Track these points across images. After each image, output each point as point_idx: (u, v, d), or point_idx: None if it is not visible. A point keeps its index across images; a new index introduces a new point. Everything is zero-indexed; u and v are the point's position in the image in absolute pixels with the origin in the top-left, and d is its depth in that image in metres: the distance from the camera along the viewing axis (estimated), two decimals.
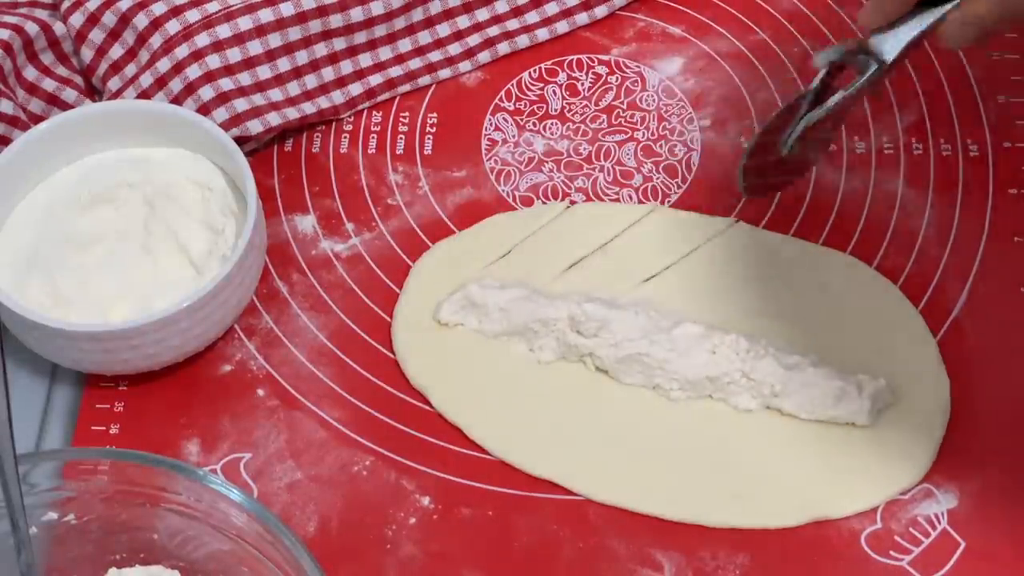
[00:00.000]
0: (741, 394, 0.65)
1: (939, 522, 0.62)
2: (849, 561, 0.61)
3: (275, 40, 0.75)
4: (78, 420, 0.67)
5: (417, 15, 0.78)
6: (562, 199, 0.74)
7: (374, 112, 0.78)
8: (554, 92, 0.78)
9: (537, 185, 0.74)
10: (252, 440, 0.66)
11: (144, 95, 0.73)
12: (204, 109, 0.72)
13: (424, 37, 0.79)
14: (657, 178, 0.74)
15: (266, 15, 0.74)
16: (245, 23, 0.74)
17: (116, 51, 0.74)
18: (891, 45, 0.63)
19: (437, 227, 0.73)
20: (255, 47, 0.74)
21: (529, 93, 0.78)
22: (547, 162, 0.75)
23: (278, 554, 0.55)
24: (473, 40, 0.80)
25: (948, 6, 0.62)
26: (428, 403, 0.67)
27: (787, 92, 0.77)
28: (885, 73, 0.64)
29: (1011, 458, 0.64)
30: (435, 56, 0.79)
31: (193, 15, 0.74)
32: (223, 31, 0.73)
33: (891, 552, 0.62)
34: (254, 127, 0.73)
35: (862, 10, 0.64)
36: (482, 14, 0.80)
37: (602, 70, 0.79)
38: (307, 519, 0.63)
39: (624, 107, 0.77)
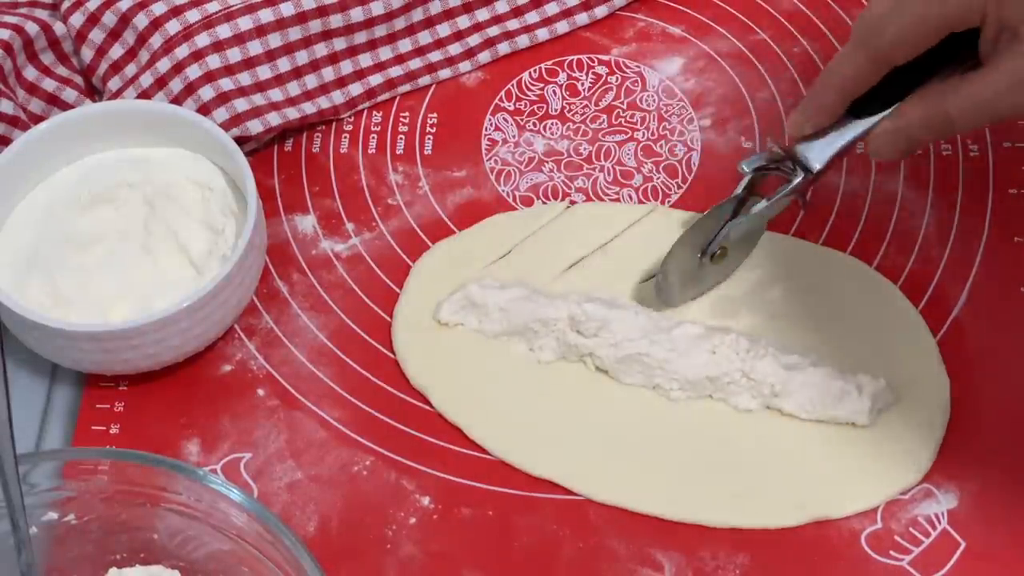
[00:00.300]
0: (741, 394, 0.65)
1: (939, 522, 0.62)
2: (849, 561, 0.61)
3: (275, 40, 0.75)
4: (78, 420, 0.67)
5: (417, 15, 0.78)
6: (562, 199, 0.74)
7: (374, 112, 0.78)
8: (554, 92, 0.78)
9: (537, 185, 0.74)
10: (252, 440, 0.66)
11: (144, 95, 0.73)
12: (204, 109, 0.72)
13: (424, 37, 0.79)
14: (657, 178, 0.74)
15: (266, 15, 0.74)
16: (245, 23, 0.74)
17: (116, 51, 0.74)
18: (818, 154, 0.64)
19: (437, 227, 0.73)
20: (255, 47, 0.74)
21: (529, 93, 0.78)
22: (547, 162, 0.75)
23: (278, 554, 0.55)
24: (473, 40, 0.80)
25: (876, 117, 0.62)
26: (428, 403, 0.67)
27: (787, 92, 0.77)
28: (811, 182, 0.64)
29: (1011, 458, 0.64)
30: (435, 56, 0.79)
31: (193, 15, 0.74)
32: (223, 31, 0.73)
33: (891, 552, 0.62)
34: (254, 127, 0.73)
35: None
36: (482, 14, 0.80)
37: (602, 70, 0.79)
38: (307, 519, 0.63)
39: (624, 107, 0.77)
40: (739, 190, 0.66)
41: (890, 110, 0.62)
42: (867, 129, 0.63)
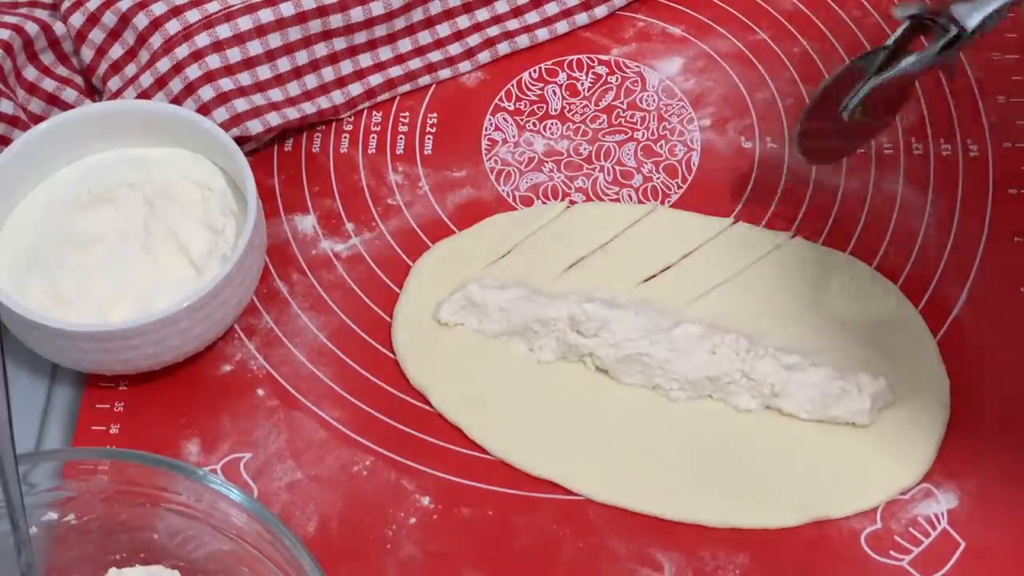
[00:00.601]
0: (741, 394, 0.65)
1: (939, 522, 0.62)
2: (849, 561, 0.61)
3: (275, 40, 0.75)
4: (78, 420, 0.67)
5: (417, 15, 0.78)
6: (562, 199, 0.74)
7: (374, 112, 0.78)
8: (554, 92, 0.78)
9: (537, 185, 0.74)
10: (252, 440, 0.66)
11: (144, 95, 0.73)
12: (204, 109, 0.72)
13: (424, 37, 0.79)
14: (657, 178, 0.74)
15: (266, 15, 0.74)
16: (245, 23, 0.74)
17: (116, 51, 0.74)
18: (976, 13, 0.61)
19: (437, 227, 0.73)
20: (255, 47, 0.74)
21: (529, 93, 0.78)
22: (547, 162, 0.75)
23: (278, 554, 0.55)
24: (473, 40, 0.80)
25: None
26: (428, 403, 0.67)
27: (787, 92, 0.77)
28: (963, 42, 0.62)
29: (1011, 458, 0.64)
30: (435, 56, 0.79)
31: (193, 15, 0.74)
32: (223, 31, 0.73)
33: (891, 552, 0.62)
34: (254, 127, 0.73)
35: None
36: (482, 14, 0.80)
37: (602, 70, 0.79)
38: (307, 519, 0.63)
39: (624, 107, 0.77)
40: (891, 41, 0.64)
41: None
42: None
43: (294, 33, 0.75)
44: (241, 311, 0.68)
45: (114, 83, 0.74)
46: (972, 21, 0.62)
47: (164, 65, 0.73)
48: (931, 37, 0.63)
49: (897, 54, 0.64)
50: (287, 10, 0.74)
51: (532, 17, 0.81)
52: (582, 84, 0.78)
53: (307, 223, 0.73)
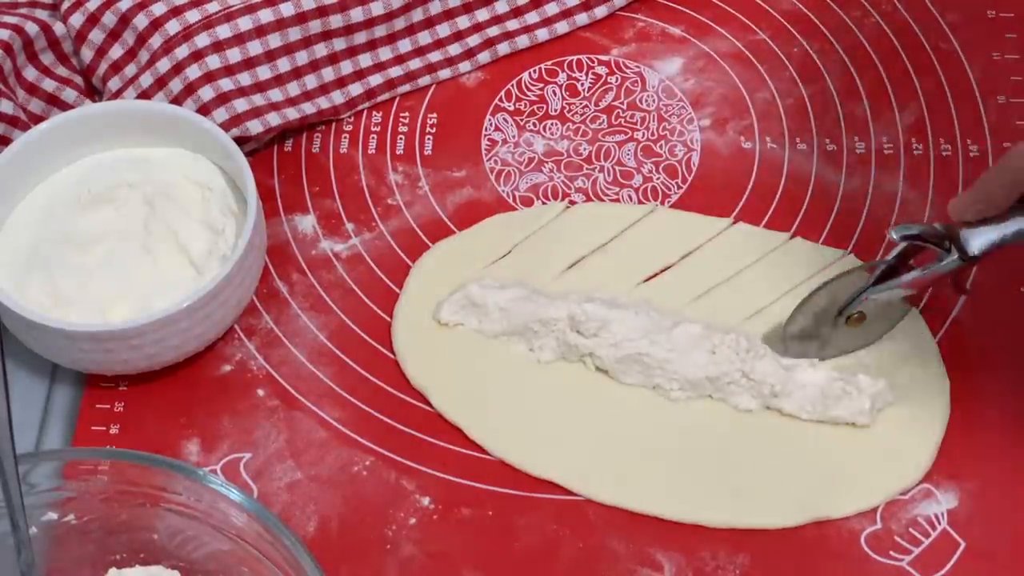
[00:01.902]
0: (741, 394, 0.65)
1: (939, 522, 0.62)
2: (849, 561, 0.61)
3: (275, 40, 0.75)
4: (78, 420, 0.67)
5: (417, 15, 0.78)
6: (562, 199, 0.74)
7: (374, 112, 0.78)
8: (554, 92, 0.78)
9: (537, 185, 0.74)
10: (252, 440, 0.66)
11: (144, 95, 0.73)
12: (204, 109, 0.72)
13: (424, 37, 0.79)
14: (657, 178, 0.74)
15: (266, 15, 0.74)
16: (245, 23, 0.74)
17: (116, 51, 0.74)
18: (979, 241, 0.61)
19: (437, 227, 0.73)
20: (255, 47, 0.74)
21: (529, 93, 0.78)
22: (547, 162, 0.75)
23: (278, 554, 0.55)
24: (473, 40, 0.80)
25: None
26: (428, 403, 0.67)
27: (787, 92, 0.77)
28: (965, 268, 0.62)
29: (1011, 458, 0.64)
30: (435, 56, 0.79)
31: (193, 15, 0.74)
32: (223, 31, 0.73)
33: (891, 552, 0.62)
34: (254, 127, 0.73)
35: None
36: (482, 14, 0.80)
37: (602, 70, 0.79)
38: (307, 519, 0.63)
39: (624, 107, 0.77)
40: (891, 257, 0.64)
41: None
42: None
43: (294, 33, 0.75)
44: (241, 311, 0.68)
45: (114, 83, 0.74)
46: (976, 251, 0.61)
47: (164, 65, 0.73)
48: (931, 255, 0.63)
49: (899, 267, 0.64)
50: (287, 10, 0.74)
51: (532, 17, 0.81)
52: (582, 84, 0.78)
53: (307, 223, 0.73)
